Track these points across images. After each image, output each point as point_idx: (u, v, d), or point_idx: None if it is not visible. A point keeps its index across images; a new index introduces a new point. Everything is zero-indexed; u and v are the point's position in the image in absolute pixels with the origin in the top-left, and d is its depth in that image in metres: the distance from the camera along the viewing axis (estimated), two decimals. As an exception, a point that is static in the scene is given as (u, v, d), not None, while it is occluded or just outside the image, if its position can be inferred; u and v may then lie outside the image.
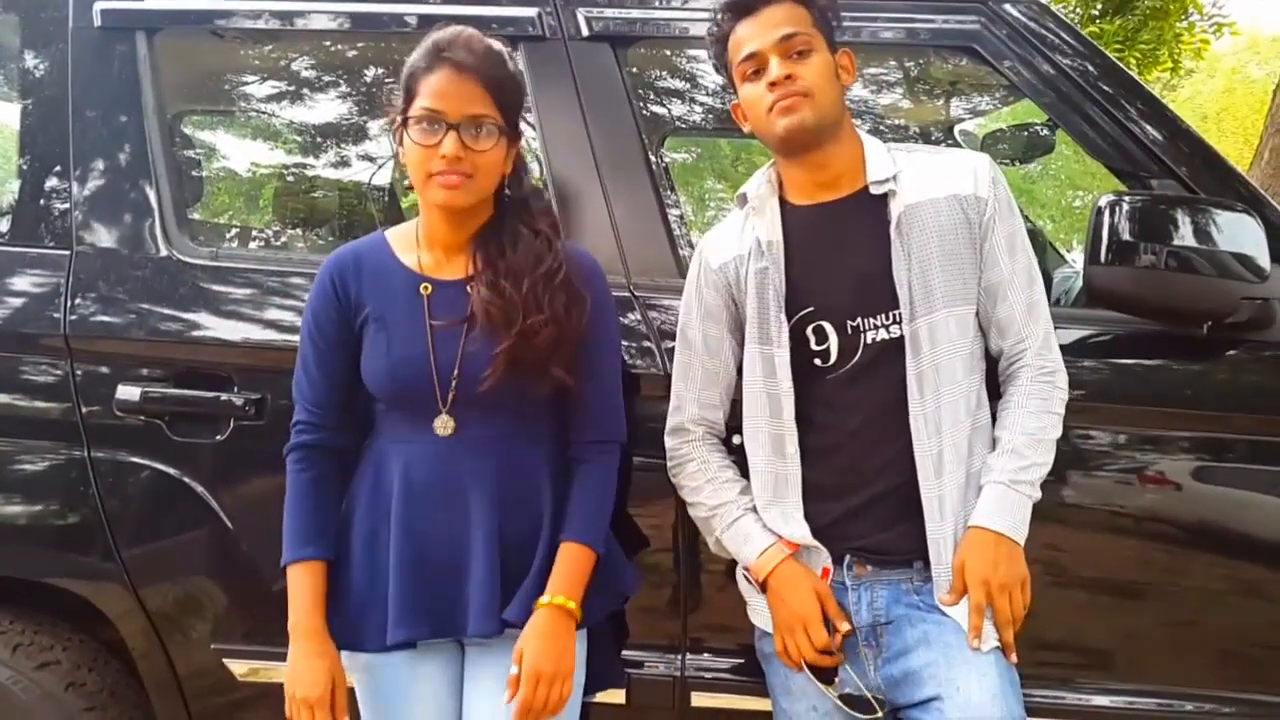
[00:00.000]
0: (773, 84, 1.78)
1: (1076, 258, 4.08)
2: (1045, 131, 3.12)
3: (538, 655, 1.75)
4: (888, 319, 1.80)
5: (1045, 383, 1.82)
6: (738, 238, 1.92)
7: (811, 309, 1.83)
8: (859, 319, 1.81)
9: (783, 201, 1.91)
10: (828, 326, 1.83)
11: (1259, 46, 24.46)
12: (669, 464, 2.00)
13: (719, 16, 1.86)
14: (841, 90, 1.85)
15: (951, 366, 1.79)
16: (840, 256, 1.84)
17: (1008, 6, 2.22)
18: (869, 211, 1.83)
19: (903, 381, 1.79)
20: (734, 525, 1.90)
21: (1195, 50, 11.06)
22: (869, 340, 1.81)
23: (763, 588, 1.87)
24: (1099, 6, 10.59)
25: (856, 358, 1.81)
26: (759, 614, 1.94)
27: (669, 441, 2.00)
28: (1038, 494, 1.80)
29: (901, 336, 1.79)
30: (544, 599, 1.79)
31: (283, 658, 1.93)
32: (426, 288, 1.85)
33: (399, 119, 1.81)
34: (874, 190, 1.83)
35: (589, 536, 1.84)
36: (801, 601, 1.80)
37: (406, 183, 1.96)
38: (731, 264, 1.91)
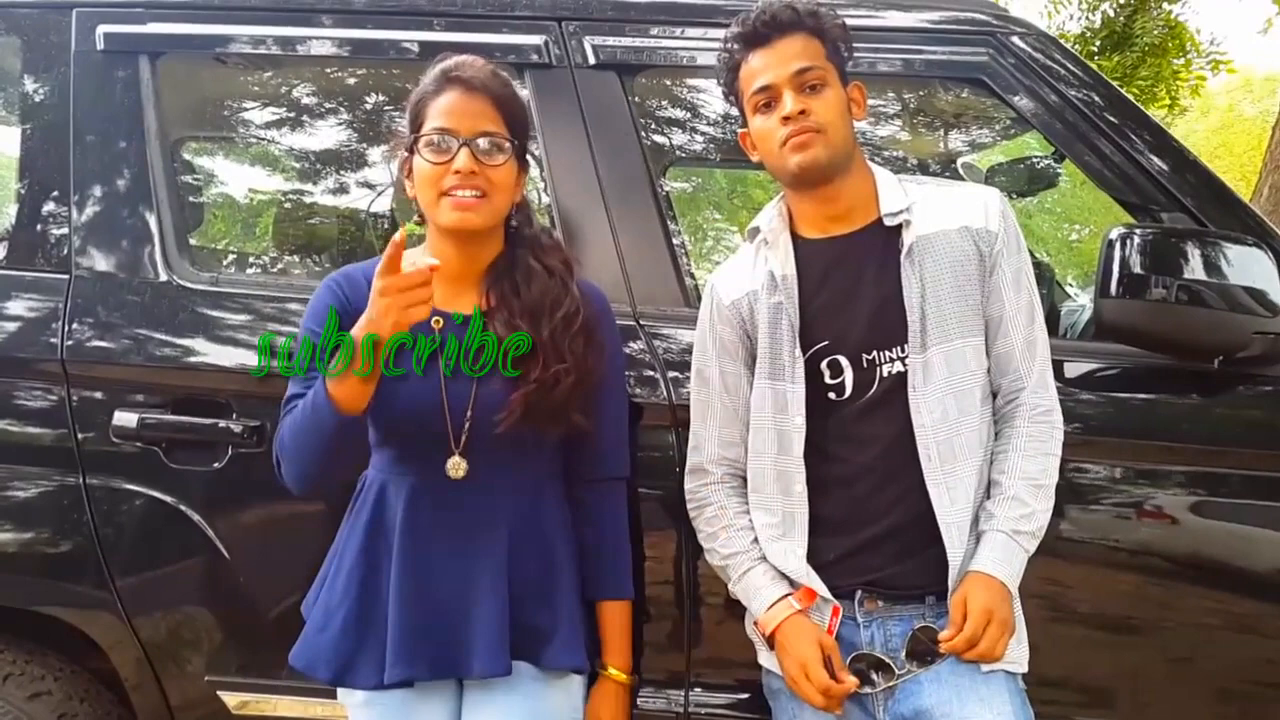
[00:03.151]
0: (786, 119, 1.76)
1: (1075, 292, 4.07)
2: (1049, 165, 3.12)
3: None
4: (903, 351, 1.78)
5: (1043, 423, 1.80)
6: (750, 273, 1.90)
7: (826, 343, 1.81)
8: (875, 352, 1.79)
9: (794, 235, 1.89)
10: (843, 360, 1.81)
11: (1252, 85, 24.58)
12: (688, 505, 1.97)
13: (730, 45, 1.84)
14: (853, 124, 1.84)
15: (971, 395, 1.78)
16: (855, 289, 1.82)
17: (1015, 39, 2.22)
18: (882, 244, 1.82)
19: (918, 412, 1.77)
20: (744, 577, 1.87)
21: (1192, 87, 11.13)
22: (885, 373, 1.79)
23: (771, 642, 1.84)
24: (1098, 43, 10.66)
25: (872, 390, 1.79)
26: (767, 655, 1.90)
27: (688, 483, 1.96)
28: (1034, 547, 1.78)
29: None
30: (609, 671, 1.88)
31: (277, 690, 1.91)
32: (438, 322, 1.80)
33: (406, 146, 1.79)
34: (888, 222, 1.81)
35: (625, 589, 1.90)
36: (803, 650, 1.77)
37: (415, 215, 1.90)
38: (745, 299, 1.89)
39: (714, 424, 1.92)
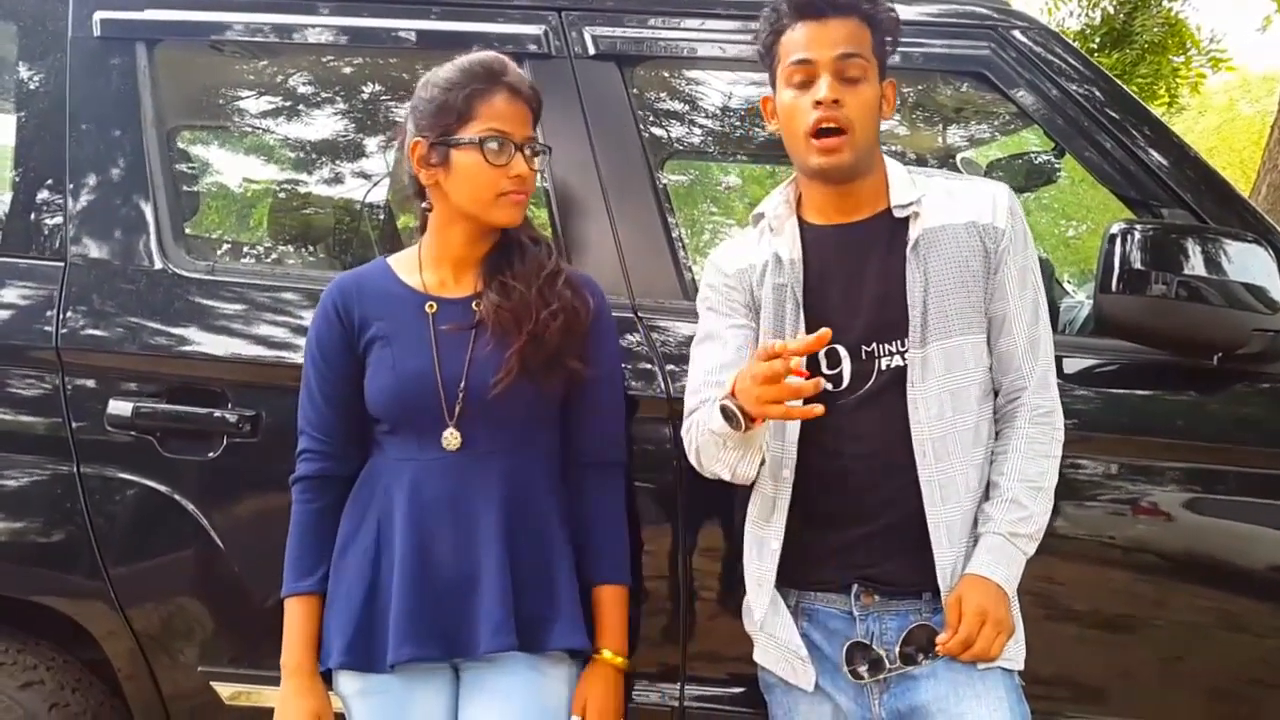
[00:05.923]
0: (818, 103, 1.73)
1: (1073, 289, 4.07)
2: (1049, 160, 3.11)
3: (604, 715, 1.86)
4: (903, 345, 1.76)
5: (1043, 424, 1.78)
6: (754, 248, 1.88)
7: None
8: (874, 344, 1.77)
9: (800, 220, 1.87)
10: (841, 350, 1.79)
11: (1249, 85, 24.57)
12: (686, 447, 1.85)
13: (780, 6, 1.78)
14: (879, 123, 1.81)
15: (968, 393, 1.76)
16: (858, 280, 1.80)
17: (1017, 33, 2.21)
18: (889, 235, 1.80)
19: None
20: (710, 411, 1.71)
21: (1191, 85, 11.11)
22: (884, 366, 1.77)
23: (747, 419, 1.64)
24: (1098, 39, 10.64)
25: (870, 383, 1.78)
26: (763, 652, 1.88)
27: (685, 430, 1.84)
28: (1033, 549, 1.76)
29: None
30: (603, 654, 1.88)
31: (271, 681, 1.90)
32: (432, 306, 1.87)
33: (448, 138, 1.81)
34: (898, 214, 1.79)
35: (621, 574, 1.92)
36: (747, 379, 1.59)
37: (415, 205, 1.95)
38: (749, 270, 1.87)
39: (713, 364, 1.83)
